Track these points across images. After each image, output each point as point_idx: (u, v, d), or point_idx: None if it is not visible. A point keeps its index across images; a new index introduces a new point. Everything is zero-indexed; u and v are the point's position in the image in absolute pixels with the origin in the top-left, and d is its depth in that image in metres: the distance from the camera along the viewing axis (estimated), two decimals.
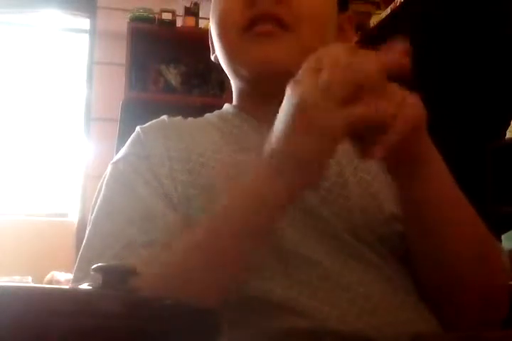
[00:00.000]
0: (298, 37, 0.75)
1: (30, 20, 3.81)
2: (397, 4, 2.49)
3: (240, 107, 0.83)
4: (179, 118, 0.84)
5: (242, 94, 0.84)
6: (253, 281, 0.66)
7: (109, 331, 0.30)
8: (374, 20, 2.99)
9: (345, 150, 0.76)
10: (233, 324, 0.59)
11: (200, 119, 0.84)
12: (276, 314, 0.65)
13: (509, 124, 2.33)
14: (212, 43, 0.86)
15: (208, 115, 0.87)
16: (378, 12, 3.05)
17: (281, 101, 0.74)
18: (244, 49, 0.76)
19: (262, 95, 0.80)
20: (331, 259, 0.69)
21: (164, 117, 0.84)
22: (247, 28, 0.75)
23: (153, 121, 0.83)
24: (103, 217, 0.72)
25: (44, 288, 0.31)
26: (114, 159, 0.79)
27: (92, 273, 0.35)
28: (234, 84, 0.85)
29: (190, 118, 0.85)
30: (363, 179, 0.76)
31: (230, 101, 0.88)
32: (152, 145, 0.77)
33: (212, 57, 0.88)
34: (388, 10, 2.63)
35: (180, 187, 0.72)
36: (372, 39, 2.21)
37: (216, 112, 0.87)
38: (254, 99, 0.81)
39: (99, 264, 0.35)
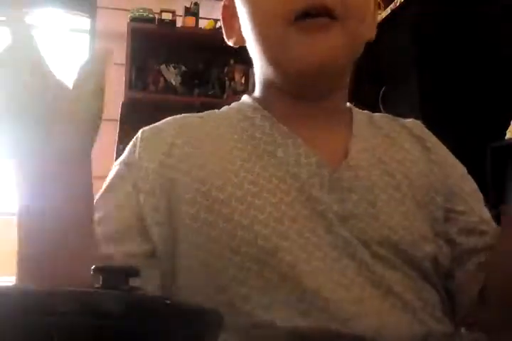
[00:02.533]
0: (346, 27, 0.71)
1: (30, 20, 3.81)
2: (397, 4, 2.48)
3: (264, 102, 0.80)
4: (195, 118, 0.79)
5: (270, 89, 0.79)
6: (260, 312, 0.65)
7: (109, 331, 0.30)
8: None
9: (373, 164, 0.75)
10: None
11: (219, 120, 0.79)
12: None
13: (509, 124, 2.33)
14: (227, 26, 0.82)
15: (227, 111, 0.82)
16: (378, 12, 3.05)
17: (311, 102, 0.73)
18: (293, 44, 0.70)
19: (294, 93, 0.77)
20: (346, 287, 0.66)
21: (176, 119, 0.79)
22: (295, 20, 0.69)
23: (161, 123, 0.79)
24: None
25: (44, 288, 0.31)
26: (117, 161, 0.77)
27: (92, 273, 0.35)
28: (263, 77, 0.80)
29: (207, 117, 0.80)
30: (392, 197, 0.73)
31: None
32: (146, 158, 0.73)
33: (231, 42, 0.82)
34: (388, 10, 2.63)
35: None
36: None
37: (236, 106, 0.83)
38: (283, 96, 0.78)
39: (99, 264, 0.35)
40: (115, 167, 0.76)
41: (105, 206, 0.71)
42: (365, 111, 0.86)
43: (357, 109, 0.84)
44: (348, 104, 0.84)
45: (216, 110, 0.83)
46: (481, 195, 0.82)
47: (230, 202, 0.68)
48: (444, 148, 0.84)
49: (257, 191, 0.69)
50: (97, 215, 0.67)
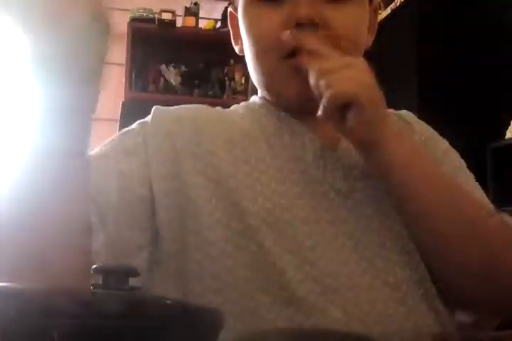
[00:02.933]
0: None
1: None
2: (397, 4, 2.49)
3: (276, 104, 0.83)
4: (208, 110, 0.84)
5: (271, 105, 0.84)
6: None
7: (109, 331, 0.30)
8: None
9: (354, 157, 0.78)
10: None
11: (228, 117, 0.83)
12: None
13: (509, 124, 2.33)
14: (235, 31, 0.85)
15: (236, 107, 0.87)
16: (378, 12, 3.05)
17: (313, 114, 0.76)
18: (286, 78, 0.76)
19: (288, 110, 0.81)
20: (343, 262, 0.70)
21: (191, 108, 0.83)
22: (287, 56, 0.74)
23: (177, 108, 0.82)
24: None
25: (44, 288, 0.31)
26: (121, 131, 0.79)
27: (92, 273, 0.35)
28: (260, 91, 0.85)
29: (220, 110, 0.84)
30: (371, 185, 0.76)
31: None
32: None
33: (236, 48, 0.87)
34: (388, 10, 2.63)
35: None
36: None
37: (244, 104, 0.87)
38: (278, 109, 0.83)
39: (99, 264, 0.35)
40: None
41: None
42: None
43: None
44: None
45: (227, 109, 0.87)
46: (464, 170, 0.85)
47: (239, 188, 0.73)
48: (430, 130, 0.88)
49: (266, 180, 0.73)
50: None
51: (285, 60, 0.75)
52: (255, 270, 0.69)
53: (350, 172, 0.76)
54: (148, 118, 0.78)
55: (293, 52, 0.74)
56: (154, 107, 0.80)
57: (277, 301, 0.67)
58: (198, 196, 0.72)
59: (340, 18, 0.75)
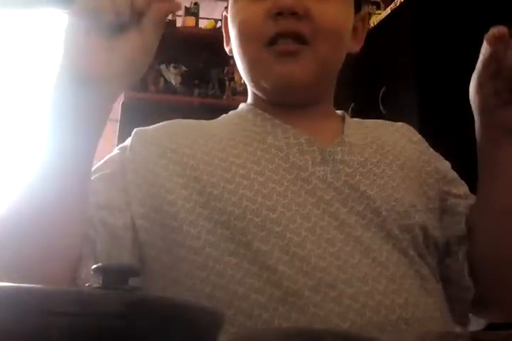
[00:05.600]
0: (316, 50, 0.78)
1: (30, 19, 3.81)
2: (397, 4, 2.48)
3: (256, 104, 0.86)
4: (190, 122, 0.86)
5: (260, 100, 0.86)
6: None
7: (109, 331, 0.30)
8: (374, 20, 2.99)
9: (367, 143, 0.81)
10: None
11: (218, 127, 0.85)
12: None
13: None
14: (227, 34, 0.88)
15: (223, 116, 0.89)
16: (378, 12, 3.05)
17: (300, 108, 0.78)
18: (267, 65, 0.78)
19: (281, 104, 0.83)
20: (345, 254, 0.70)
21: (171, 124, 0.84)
22: (269, 44, 0.77)
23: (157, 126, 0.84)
24: None
25: (44, 288, 0.31)
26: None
27: (92, 273, 0.35)
28: (252, 91, 0.87)
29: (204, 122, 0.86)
30: (385, 172, 0.78)
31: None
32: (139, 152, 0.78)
33: (227, 50, 0.89)
34: (388, 10, 2.63)
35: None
36: (372, 39, 2.21)
37: (231, 112, 0.89)
38: (273, 106, 0.84)
39: (99, 264, 0.35)
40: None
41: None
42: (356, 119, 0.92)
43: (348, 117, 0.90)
44: (340, 111, 0.91)
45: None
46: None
47: (219, 182, 0.73)
48: (428, 145, 0.91)
49: (245, 173, 0.74)
50: None
51: (266, 47, 0.77)
52: (246, 271, 0.69)
53: (337, 166, 0.77)
54: (128, 142, 0.80)
55: (274, 40, 0.77)
56: (134, 130, 0.82)
57: (272, 300, 0.67)
58: (180, 207, 0.72)
59: (322, 10, 0.78)
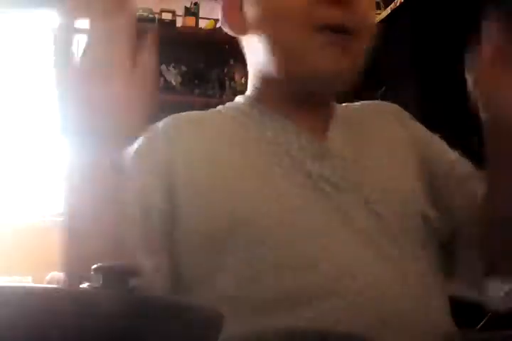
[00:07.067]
0: (359, 43, 0.77)
1: (30, 19, 3.81)
2: (397, 4, 2.48)
3: (264, 101, 0.84)
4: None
5: (268, 94, 0.83)
6: None
7: (109, 331, 0.30)
8: None
9: (352, 138, 0.82)
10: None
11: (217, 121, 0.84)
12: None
13: None
14: (225, 14, 0.84)
15: (220, 108, 0.87)
16: (378, 12, 3.05)
17: (315, 103, 0.80)
18: (314, 52, 0.76)
19: (300, 94, 0.81)
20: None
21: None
22: (316, 31, 0.75)
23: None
24: None
25: (44, 288, 0.31)
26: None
27: (92, 273, 0.35)
28: (261, 74, 0.84)
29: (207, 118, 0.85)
30: (379, 162, 0.80)
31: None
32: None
33: (225, 28, 0.85)
34: (388, 10, 2.63)
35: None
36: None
37: (228, 104, 0.87)
38: (286, 97, 0.82)
39: (99, 264, 0.35)
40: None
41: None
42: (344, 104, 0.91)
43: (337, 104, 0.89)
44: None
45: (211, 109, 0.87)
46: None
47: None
48: (416, 122, 0.91)
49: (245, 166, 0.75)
50: None
51: (316, 33, 0.75)
52: (243, 271, 0.69)
53: (338, 163, 0.77)
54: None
55: (322, 29, 0.75)
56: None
57: (274, 298, 0.67)
58: (183, 204, 0.73)
59: (363, 2, 0.77)
